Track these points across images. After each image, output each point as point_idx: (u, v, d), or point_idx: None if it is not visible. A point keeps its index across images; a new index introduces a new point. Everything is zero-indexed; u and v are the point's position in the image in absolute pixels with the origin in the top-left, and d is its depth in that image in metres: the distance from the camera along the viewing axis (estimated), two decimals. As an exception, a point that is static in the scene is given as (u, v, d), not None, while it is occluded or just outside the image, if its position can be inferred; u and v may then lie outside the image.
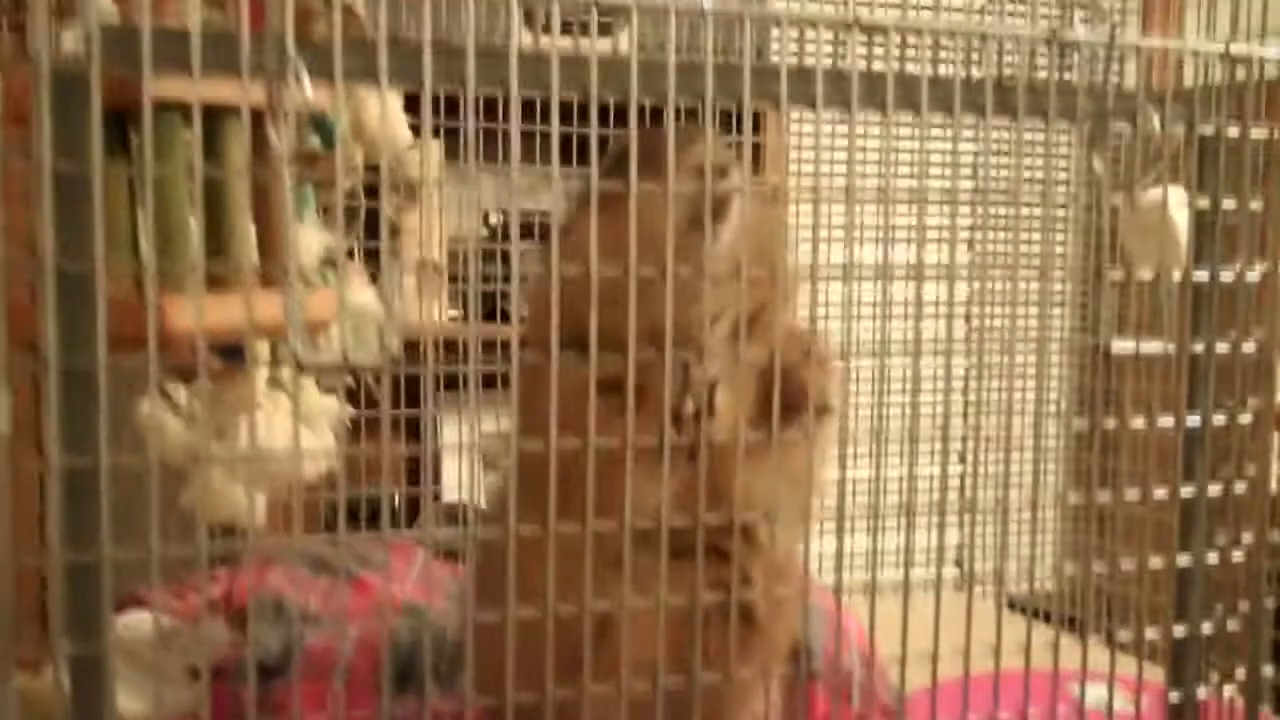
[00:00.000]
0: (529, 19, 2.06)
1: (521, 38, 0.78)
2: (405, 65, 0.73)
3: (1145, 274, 0.97)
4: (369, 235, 1.64)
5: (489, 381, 1.51)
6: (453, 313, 2.29)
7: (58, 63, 0.67)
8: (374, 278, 1.61)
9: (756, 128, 1.17)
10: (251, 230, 0.96)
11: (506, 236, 2.23)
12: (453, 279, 2.28)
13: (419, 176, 2.20)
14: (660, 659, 0.82)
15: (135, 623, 1.23)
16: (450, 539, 1.58)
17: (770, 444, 0.88)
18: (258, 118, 0.78)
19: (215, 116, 0.89)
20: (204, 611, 1.25)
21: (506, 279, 2.08)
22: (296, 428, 0.78)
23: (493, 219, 2.21)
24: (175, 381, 1.15)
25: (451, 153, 1.80)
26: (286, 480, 1.20)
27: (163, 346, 0.88)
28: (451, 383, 1.68)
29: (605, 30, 2.14)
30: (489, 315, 2.03)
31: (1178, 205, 0.97)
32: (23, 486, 0.73)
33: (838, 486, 0.86)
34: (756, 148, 1.68)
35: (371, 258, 1.57)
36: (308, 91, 0.67)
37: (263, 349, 1.15)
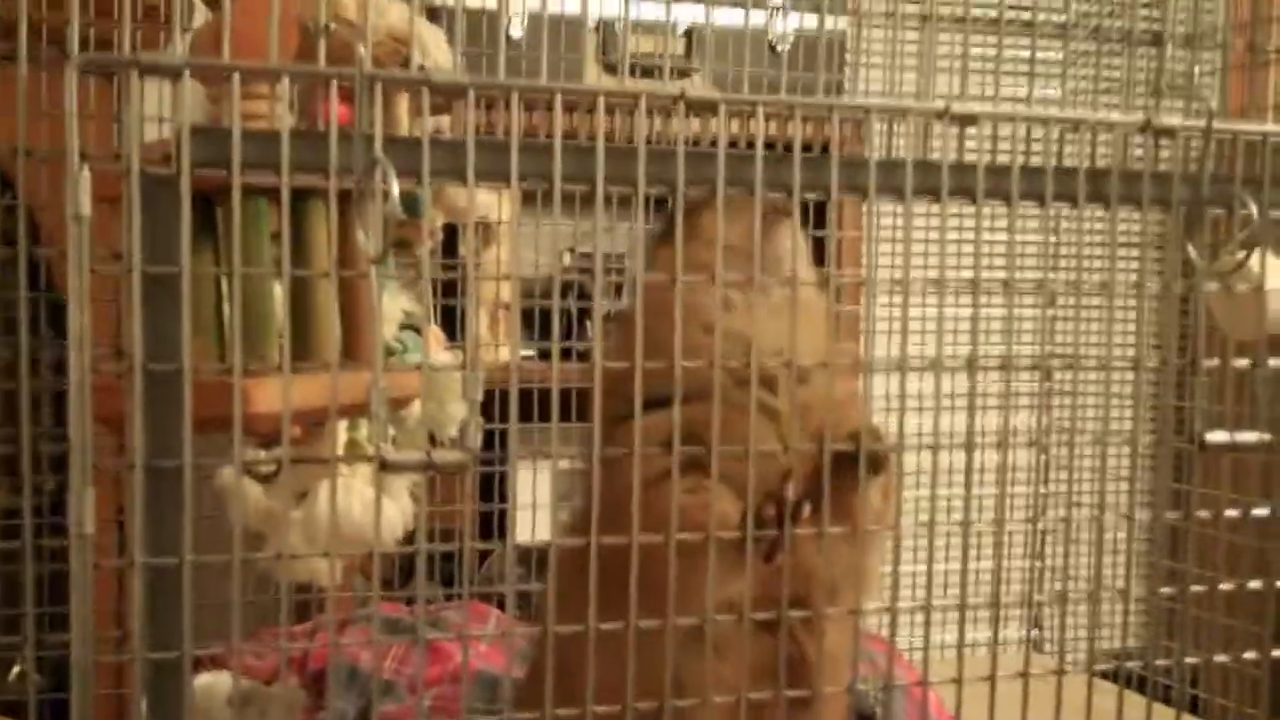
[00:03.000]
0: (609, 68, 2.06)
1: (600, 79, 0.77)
2: (494, 161, 0.73)
3: (1245, 338, 0.95)
4: (447, 289, 1.64)
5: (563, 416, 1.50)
6: (527, 353, 2.30)
7: (148, 163, 0.67)
8: (451, 334, 1.62)
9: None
10: (335, 310, 0.96)
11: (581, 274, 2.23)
12: (527, 319, 2.28)
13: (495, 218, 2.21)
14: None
15: (213, 683, 1.24)
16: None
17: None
18: (344, 195, 0.78)
19: (301, 197, 0.89)
20: (282, 673, 1.25)
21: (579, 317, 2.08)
22: (378, 506, 0.78)
23: (566, 259, 2.21)
24: (256, 447, 1.15)
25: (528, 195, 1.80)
26: (364, 545, 1.20)
27: (246, 429, 0.88)
28: (525, 418, 1.68)
29: (683, 74, 2.15)
30: (563, 354, 2.03)
31: (1274, 273, 0.95)
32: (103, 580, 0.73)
33: (927, 571, 0.84)
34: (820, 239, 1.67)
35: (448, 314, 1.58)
36: (395, 194, 0.67)
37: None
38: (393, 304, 1.17)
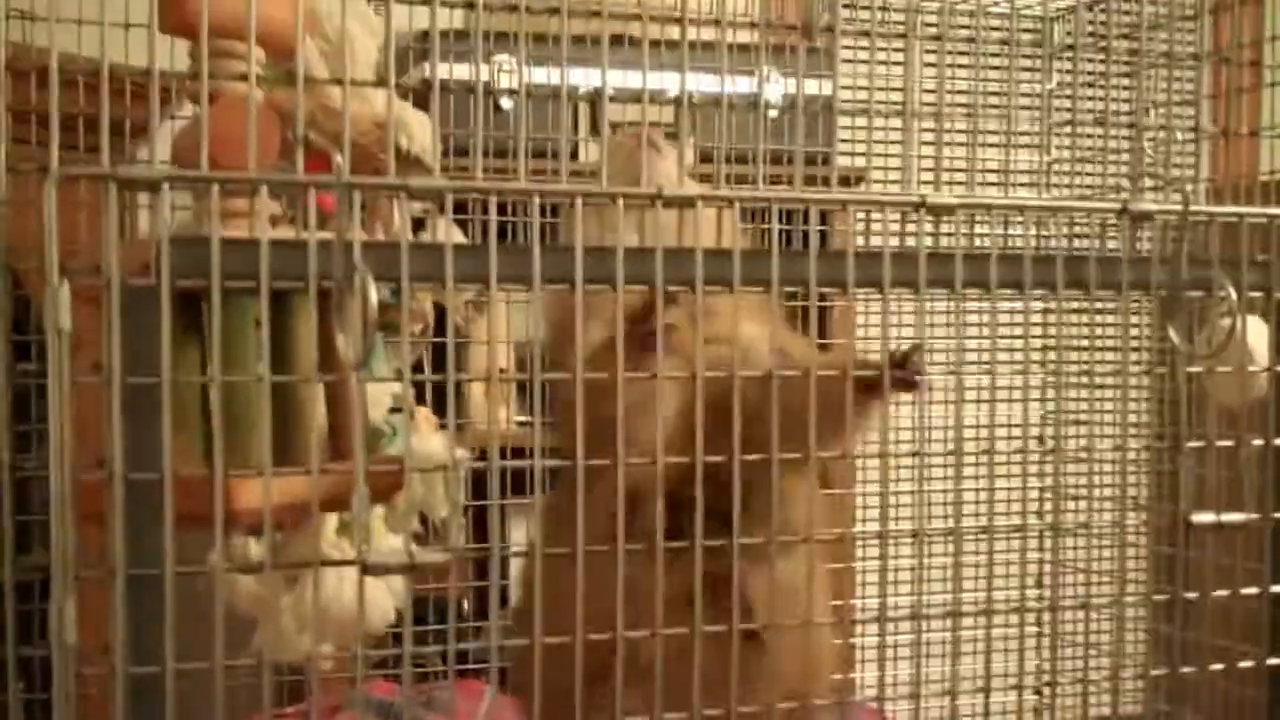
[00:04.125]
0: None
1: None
2: (471, 265, 0.73)
3: (1232, 403, 0.95)
4: (439, 365, 1.64)
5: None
6: (520, 418, 2.30)
7: (128, 276, 0.67)
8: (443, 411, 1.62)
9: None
10: (321, 405, 0.96)
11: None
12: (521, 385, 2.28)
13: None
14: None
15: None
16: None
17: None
18: (327, 293, 0.78)
19: (286, 293, 0.89)
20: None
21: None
22: (361, 604, 0.78)
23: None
24: (244, 535, 1.15)
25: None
26: (354, 630, 1.20)
27: (229, 524, 0.88)
28: (519, 485, 1.69)
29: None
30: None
31: (1256, 336, 0.95)
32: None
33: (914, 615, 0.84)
34: (824, 312, 1.68)
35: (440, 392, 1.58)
36: (373, 300, 0.67)
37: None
38: (381, 387, 1.17)
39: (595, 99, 2.15)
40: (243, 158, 0.75)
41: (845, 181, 1.78)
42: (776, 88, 2.22)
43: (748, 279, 0.78)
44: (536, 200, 0.74)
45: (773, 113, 2.24)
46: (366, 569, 0.70)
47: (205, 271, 0.68)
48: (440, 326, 1.49)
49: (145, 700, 0.70)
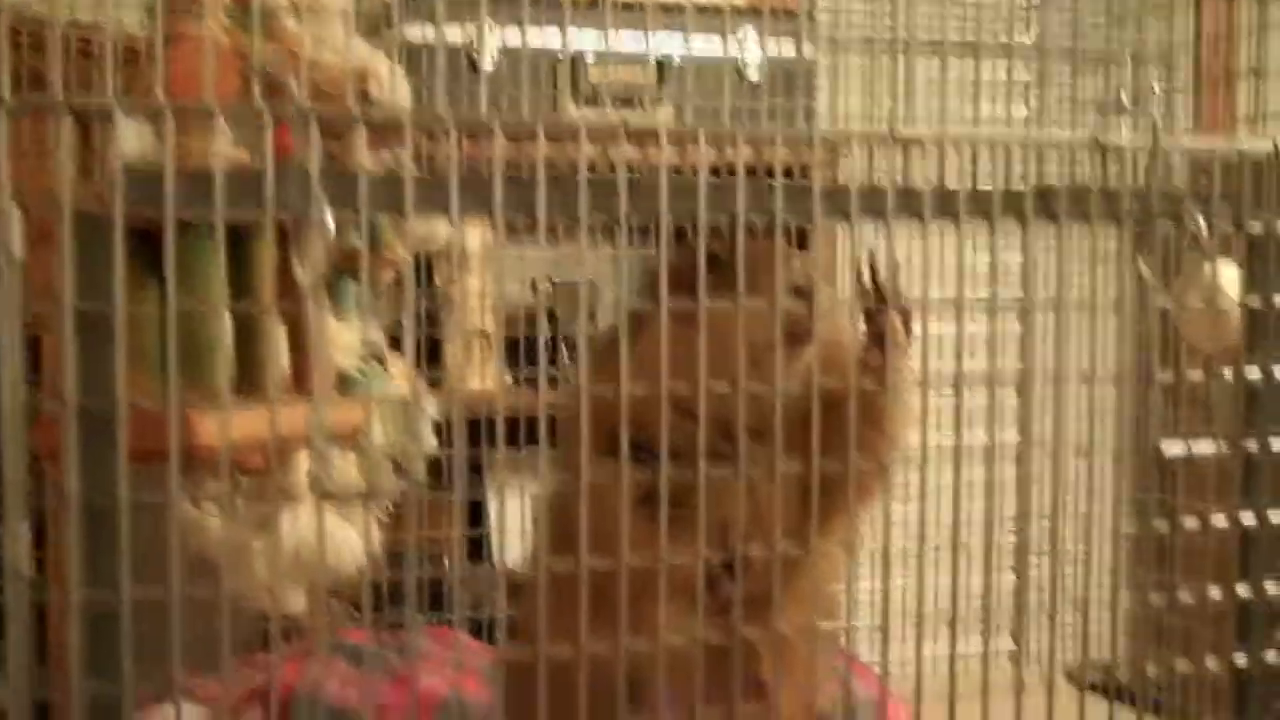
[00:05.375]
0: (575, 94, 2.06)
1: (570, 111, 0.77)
2: (432, 195, 0.72)
3: (1205, 349, 0.95)
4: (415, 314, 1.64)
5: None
6: (506, 378, 2.29)
7: (81, 203, 0.66)
8: (419, 361, 1.62)
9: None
10: (283, 341, 0.95)
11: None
12: (511, 346, 2.28)
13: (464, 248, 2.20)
14: None
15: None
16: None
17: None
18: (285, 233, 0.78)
19: (250, 233, 0.89)
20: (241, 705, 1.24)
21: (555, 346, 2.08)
22: (323, 540, 0.77)
23: (540, 286, 2.21)
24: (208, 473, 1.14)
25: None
26: (326, 573, 1.19)
27: (190, 459, 0.87)
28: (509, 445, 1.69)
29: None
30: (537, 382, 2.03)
31: (1229, 282, 0.95)
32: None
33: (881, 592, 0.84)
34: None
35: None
36: (330, 226, 0.66)
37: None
38: (350, 334, 1.17)
39: (575, 62, 2.13)
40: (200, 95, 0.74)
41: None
42: (757, 52, 2.21)
43: (714, 207, 0.77)
44: (498, 127, 0.73)
45: (754, 75, 2.23)
46: (324, 495, 0.70)
47: (159, 202, 0.67)
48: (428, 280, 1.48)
49: (104, 632, 0.70)
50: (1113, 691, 0.94)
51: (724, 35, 1.61)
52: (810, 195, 0.79)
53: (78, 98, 0.66)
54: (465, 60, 1.70)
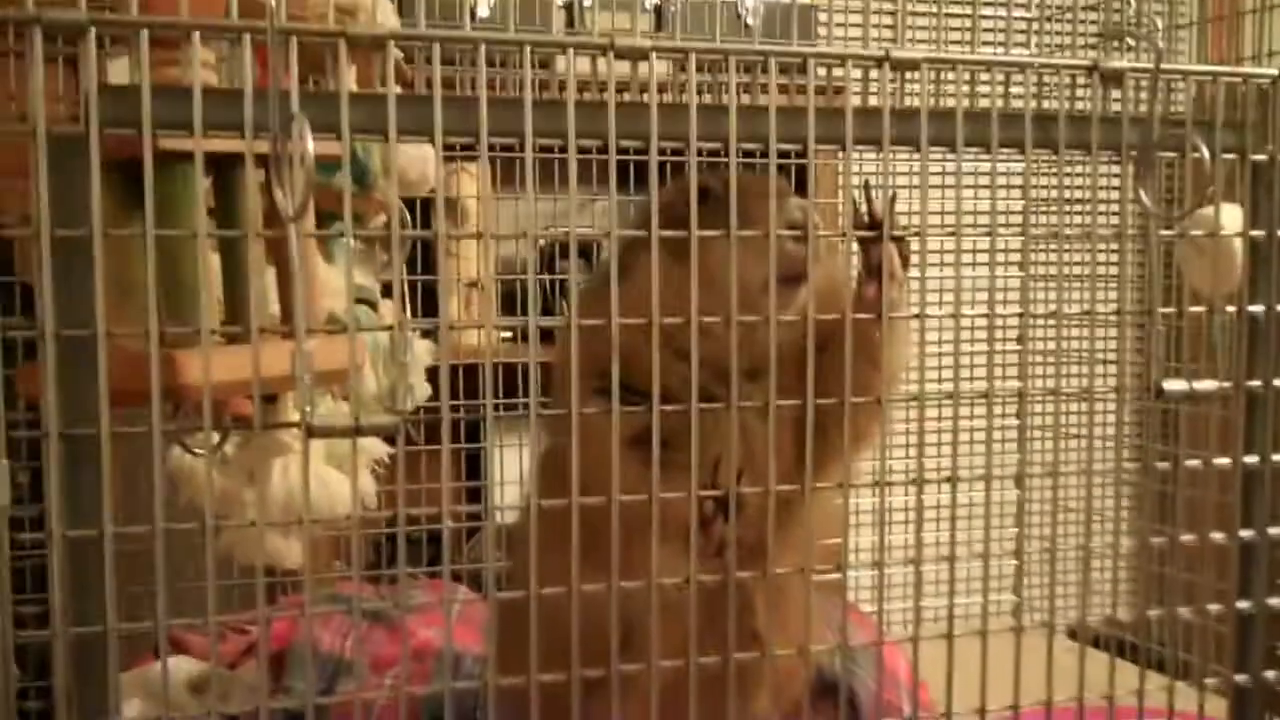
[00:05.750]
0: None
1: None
2: (417, 115, 0.70)
3: (1206, 293, 0.93)
4: (412, 264, 1.63)
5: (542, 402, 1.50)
6: (505, 334, 2.28)
7: (55, 125, 0.65)
8: (414, 311, 1.60)
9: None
10: (272, 279, 0.94)
11: (557, 257, 2.22)
12: (508, 299, 2.26)
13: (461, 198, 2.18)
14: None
15: (173, 668, 1.22)
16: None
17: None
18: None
19: (229, 164, 0.87)
20: (239, 658, 1.23)
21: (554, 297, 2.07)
22: (306, 477, 0.76)
23: (540, 241, 2.19)
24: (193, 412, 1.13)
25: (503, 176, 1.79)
26: (320, 520, 1.18)
27: (175, 399, 0.86)
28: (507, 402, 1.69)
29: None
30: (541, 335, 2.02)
31: (1233, 223, 0.93)
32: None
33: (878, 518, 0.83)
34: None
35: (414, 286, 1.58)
36: (310, 148, 0.65)
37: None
38: (338, 277, 1.15)
39: (571, 8, 2.11)
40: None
41: (822, 92, 1.76)
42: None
43: (705, 134, 0.76)
44: (483, 50, 0.71)
45: (753, 21, 2.20)
46: (311, 432, 0.68)
47: (136, 122, 0.66)
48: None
49: (85, 568, 0.69)
50: (1114, 646, 0.92)
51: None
52: (804, 119, 0.77)
53: (50, 13, 0.64)
54: (460, 5, 1.68)
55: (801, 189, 1.02)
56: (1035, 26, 1.37)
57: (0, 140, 0.67)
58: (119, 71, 0.81)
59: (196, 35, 0.67)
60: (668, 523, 0.81)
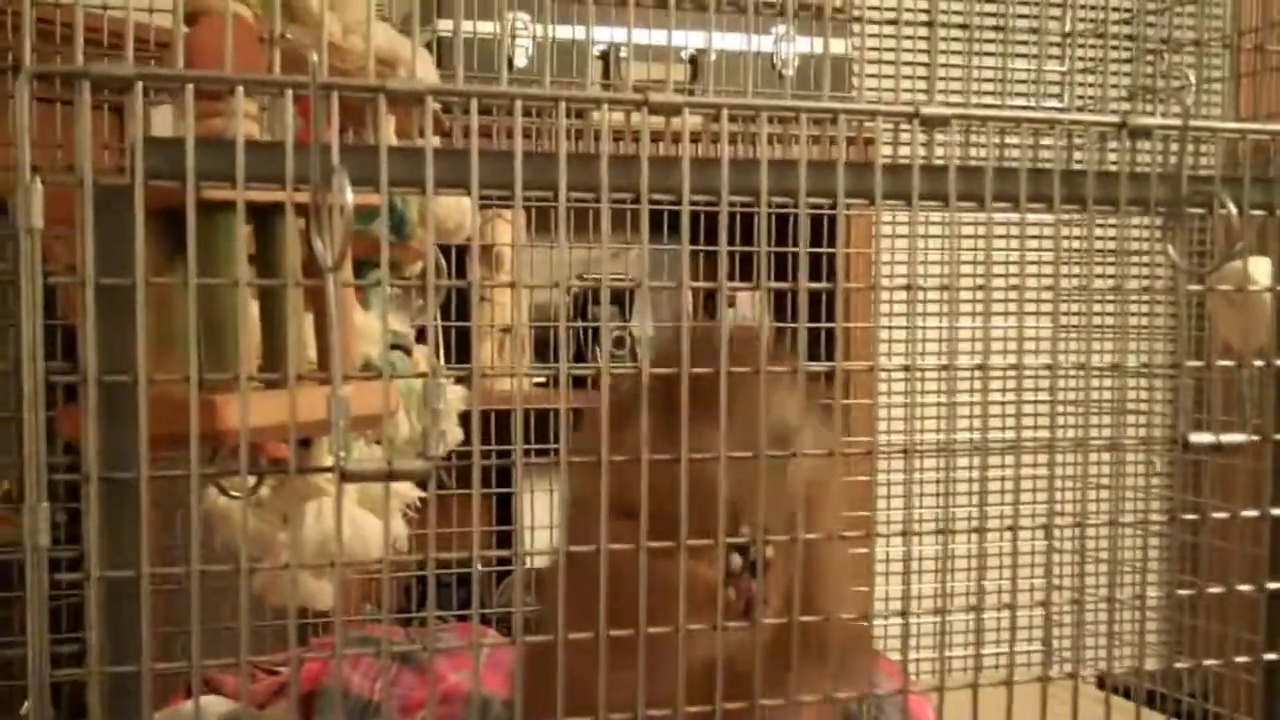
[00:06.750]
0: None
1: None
2: (454, 168, 0.72)
3: (1237, 346, 0.94)
4: (445, 310, 1.65)
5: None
6: (537, 380, 2.29)
7: (101, 175, 0.66)
8: (447, 357, 1.62)
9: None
10: (309, 325, 0.95)
11: (589, 303, 2.24)
12: (542, 345, 2.28)
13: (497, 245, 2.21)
14: None
15: (204, 707, 1.23)
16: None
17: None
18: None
19: (269, 213, 0.89)
20: (269, 698, 1.24)
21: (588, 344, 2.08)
22: (339, 521, 0.77)
23: (573, 288, 2.21)
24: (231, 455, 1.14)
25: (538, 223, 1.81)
26: (352, 567, 1.19)
27: (213, 443, 0.87)
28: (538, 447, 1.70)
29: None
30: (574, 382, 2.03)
31: (1263, 276, 0.94)
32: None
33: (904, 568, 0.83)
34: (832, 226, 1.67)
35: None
36: (350, 201, 0.66)
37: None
38: (374, 324, 1.17)
39: (607, 57, 2.13)
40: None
41: (853, 142, 1.78)
42: (792, 46, 2.20)
43: (737, 189, 0.77)
44: (519, 105, 0.72)
45: (788, 72, 2.22)
46: (345, 476, 0.69)
47: (180, 173, 0.67)
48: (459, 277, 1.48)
49: (126, 616, 0.70)
50: (1141, 694, 0.92)
51: (751, 29, 1.60)
52: (834, 172, 0.78)
53: (98, 67, 0.66)
54: (497, 54, 1.70)
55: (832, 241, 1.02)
56: (1067, 78, 1.38)
57: (49, 190, 0.68)
58: (163, 116, 0.83)
59: (240, 90, 0.68)
60: (695, 589, 0.80)
